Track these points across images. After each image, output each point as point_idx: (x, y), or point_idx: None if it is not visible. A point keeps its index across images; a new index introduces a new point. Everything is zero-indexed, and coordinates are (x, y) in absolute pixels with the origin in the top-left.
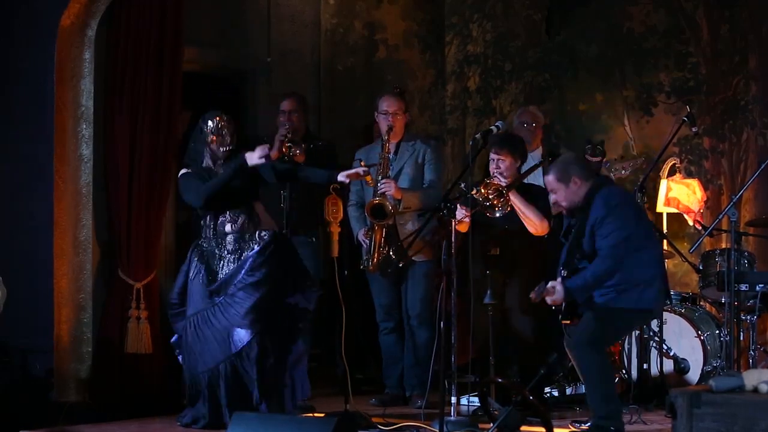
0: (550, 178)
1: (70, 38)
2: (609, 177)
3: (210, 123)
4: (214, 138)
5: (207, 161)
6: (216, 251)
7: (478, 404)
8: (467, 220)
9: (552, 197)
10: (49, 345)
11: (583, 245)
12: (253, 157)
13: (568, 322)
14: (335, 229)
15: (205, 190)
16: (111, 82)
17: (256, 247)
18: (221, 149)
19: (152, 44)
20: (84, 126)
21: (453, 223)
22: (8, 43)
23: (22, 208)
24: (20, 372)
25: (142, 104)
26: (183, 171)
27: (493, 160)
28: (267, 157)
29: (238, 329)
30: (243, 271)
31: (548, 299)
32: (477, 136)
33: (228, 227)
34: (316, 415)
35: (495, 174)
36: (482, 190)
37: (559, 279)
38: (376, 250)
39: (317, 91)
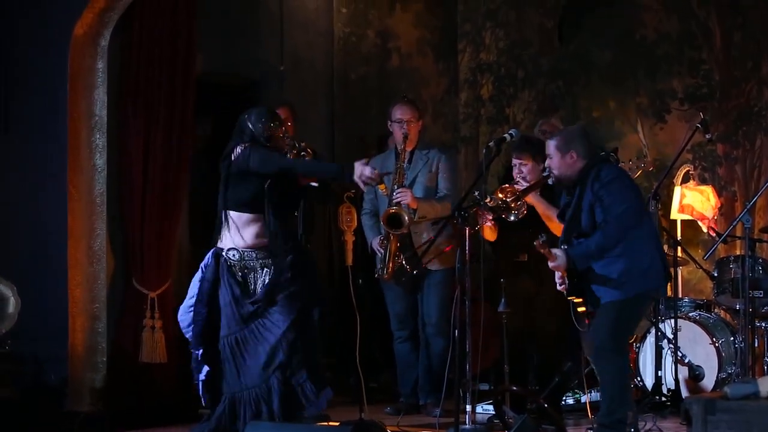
0: (551, 143)
1: (84, 48)
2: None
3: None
4: (281, 131)
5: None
6: (250, 265)
7: (493, 412)
8: (489, 224)
9: (546, 161)
10: (64, 354)
11: (581, 221)
12: (363, 173)
13: (575, 299)
14: (349, 238)
15: (290, 164)
16: (124, 92)
17: (286, 260)
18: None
19: (165, 53)
20: (97, 136)
21: (467, 231)
22: (22, 53)
23: (36, 218)
24: (34, 381)
25: (155, 113)
26: (246, 143)
27: (515, 165)
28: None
29: (281, 345)
30: (275, 289)
31: (550, 264)
32: (490, 144)
33: (260, 238)
34: (331, 423)
35: (518, 179)
36: (499, 194)
37: (562, 247)
38: (391, 259)
39: (330, 99)
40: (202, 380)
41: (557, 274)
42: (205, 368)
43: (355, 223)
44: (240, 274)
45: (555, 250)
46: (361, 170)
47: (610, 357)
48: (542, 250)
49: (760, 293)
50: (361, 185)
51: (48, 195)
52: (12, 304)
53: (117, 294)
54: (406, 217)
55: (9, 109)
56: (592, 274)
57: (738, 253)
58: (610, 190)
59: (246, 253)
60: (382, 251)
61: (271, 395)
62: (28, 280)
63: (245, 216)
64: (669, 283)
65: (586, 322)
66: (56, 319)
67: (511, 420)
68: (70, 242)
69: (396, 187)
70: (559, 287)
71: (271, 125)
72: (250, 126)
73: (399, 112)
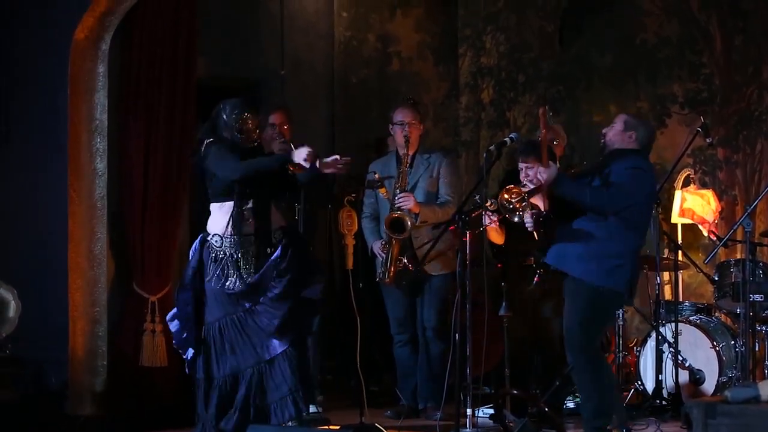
0: (623, 115)
1: (84, 52)
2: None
3: (248, 114)
4: (250, 124)
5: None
6: (231, 252)
7: (494, 416)
8: (494, 225)
9: (605, 128)
10: (64, 358)
11: (590, 181)
12: (300, 156)
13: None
14: (350, 242)
15: (247, 168)
16: (124, 94)
17: (276, 251)
18: (250, 142)
19: (166, 57)
20: (98, 140)
21: (467, 234)
22: (22, 57)
23: (36, 222)
24: (35, 385)
25: (156, 117)
26: (208, 140)
27: (522, 169)
28: (312, 159)
29: (273, 339)
30: (269, 280)
31: (540, 171)
32: (491, 148)
33: (245, 226)
34: (331, 427)
35: (525, 183)
36: (504, 195)
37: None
38: (393, 262)
39: (330, 103)
40: (188, 360)
41: (527, 214)
42: (190, 351)
43: (356, 227)
44: (221, 259)
45: (551, 163)
46: (299, 153)
47: (582, 356)
48: (543, 123)
49: (761, 297)
50: (305, 164)
51: (48, 199)
52: (12, 308)
53: (117, 298)
54: (409, 222)
55: (9, 113)
56: (567, 228)
57: (739, 257)
58: (630, 174)
59: (227, 240)
60: (384, 255)
61: (238, 385)
62: (28, 283)
63: (226, 204)
64: (672, 287)
65: (536, 279)
66: (57, 322)
67: (511, 424)
68: (71, 246)
69: (398, 191)
70: (526, 222)
71: (243, 116)
72: (224, 117)
73: (401, 115)
